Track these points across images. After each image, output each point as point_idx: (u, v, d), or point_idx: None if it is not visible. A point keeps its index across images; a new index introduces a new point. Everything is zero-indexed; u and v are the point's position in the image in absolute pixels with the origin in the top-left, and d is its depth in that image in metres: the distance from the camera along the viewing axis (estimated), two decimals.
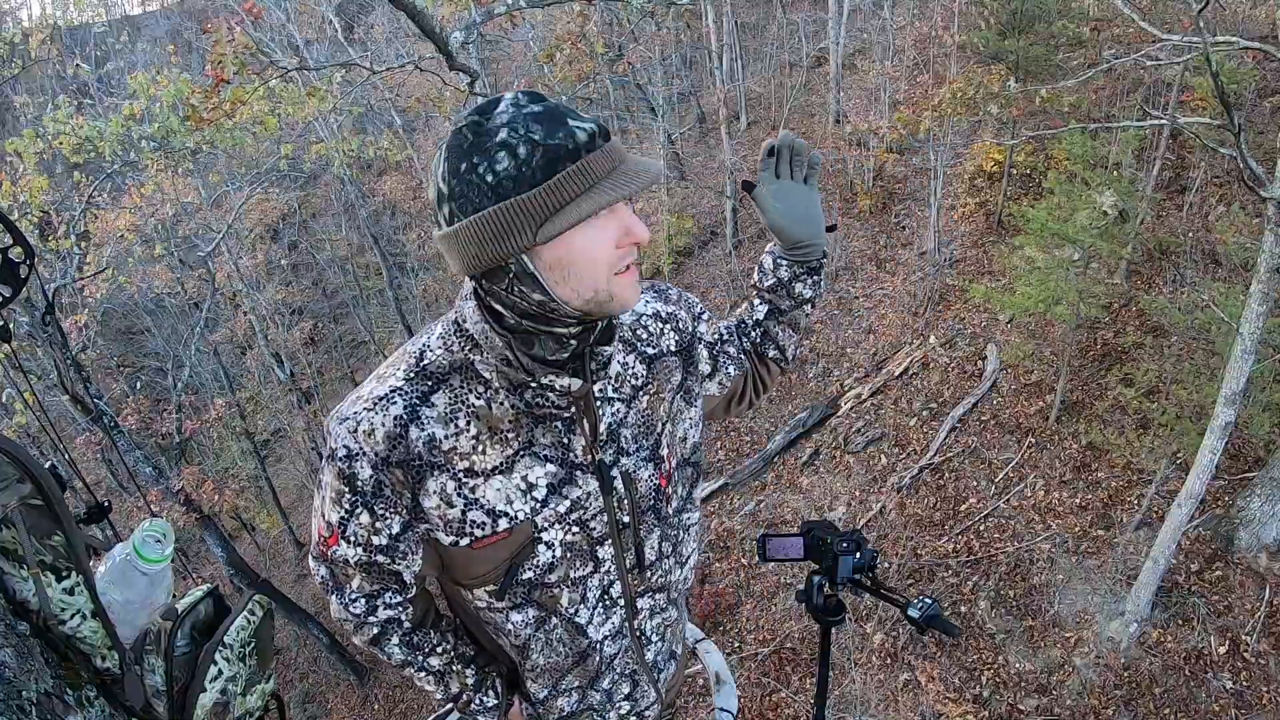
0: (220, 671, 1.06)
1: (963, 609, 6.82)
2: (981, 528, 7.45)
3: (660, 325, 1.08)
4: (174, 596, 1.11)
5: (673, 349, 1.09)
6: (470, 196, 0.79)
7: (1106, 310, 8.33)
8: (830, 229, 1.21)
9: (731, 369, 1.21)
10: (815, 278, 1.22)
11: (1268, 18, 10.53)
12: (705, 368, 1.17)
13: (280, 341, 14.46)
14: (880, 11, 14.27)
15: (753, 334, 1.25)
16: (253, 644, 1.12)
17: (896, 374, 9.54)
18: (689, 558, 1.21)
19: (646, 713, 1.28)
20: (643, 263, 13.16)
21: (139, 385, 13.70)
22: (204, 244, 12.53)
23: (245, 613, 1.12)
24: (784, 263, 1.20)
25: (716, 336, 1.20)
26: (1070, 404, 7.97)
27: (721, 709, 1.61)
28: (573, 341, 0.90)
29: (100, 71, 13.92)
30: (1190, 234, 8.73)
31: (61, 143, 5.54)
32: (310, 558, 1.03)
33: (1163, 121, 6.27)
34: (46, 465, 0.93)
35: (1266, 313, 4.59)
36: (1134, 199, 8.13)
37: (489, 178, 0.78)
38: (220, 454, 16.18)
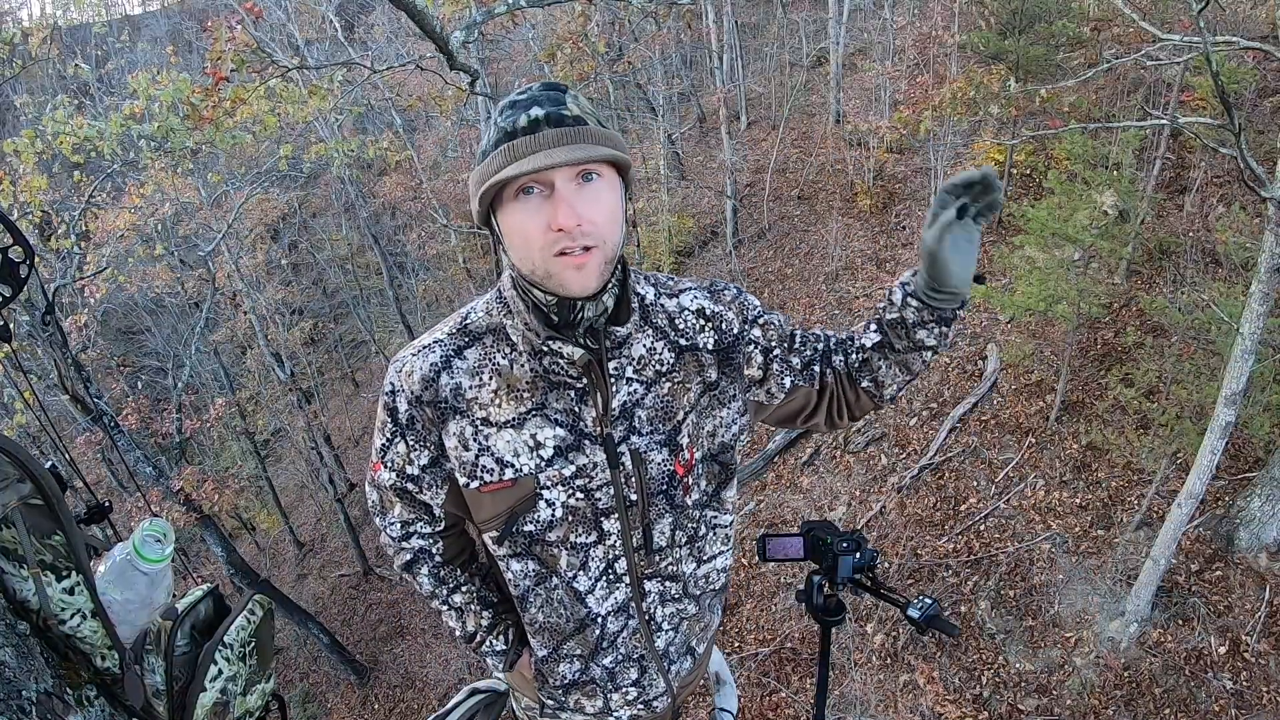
0: (220, 671, 1.06)
1: (963, 609, 6.82)
2: (981, 528, 7.45)
3: (701, 322, 1.10)
4: (174, 596, 1.11)
5: (709, 347, 1.10)
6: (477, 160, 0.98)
7: (1106, 310, 8.32)
8: (979, 280, 1.07)
9: (787, 380, 1.16)
10: (944, 328, 1.10)
11: (1268, 18, 10.53)
12: (755, 373, 1.15)
13: (280, 341, 14.46)
14: (880, 11, 14.27)
15: (853, 357, 1.16)
16: (253, 644, 1.12)
17: None
18: (714, 558, 1.22)
19: (655, 703, 1.27)
20: (643, 261, 13.18)
21: (139, 385, 13.70)
22: (204, 244, 12.53)
23: (245, 612, 1.13)
24: (914, 303, 1.08)
25: (779, 342, 1.15)
26: (1070, 404, 7.97)
27: (721, 709, 1.61)
28: (554, 315, 0.98)
29: (100, 71, 13.91)
30: (1190, 234, 8.73)
31: (61, 143, 5.52)
32: (366, 484, 1.16)
33: (1163, 121, 6.27)
34: (47, 465, 0.93)
35: (1267, 313, 4.59)
36: (1134, 199, 8.13)
37: (481, 147, 0.96)
38: (220, 454, 16.19)
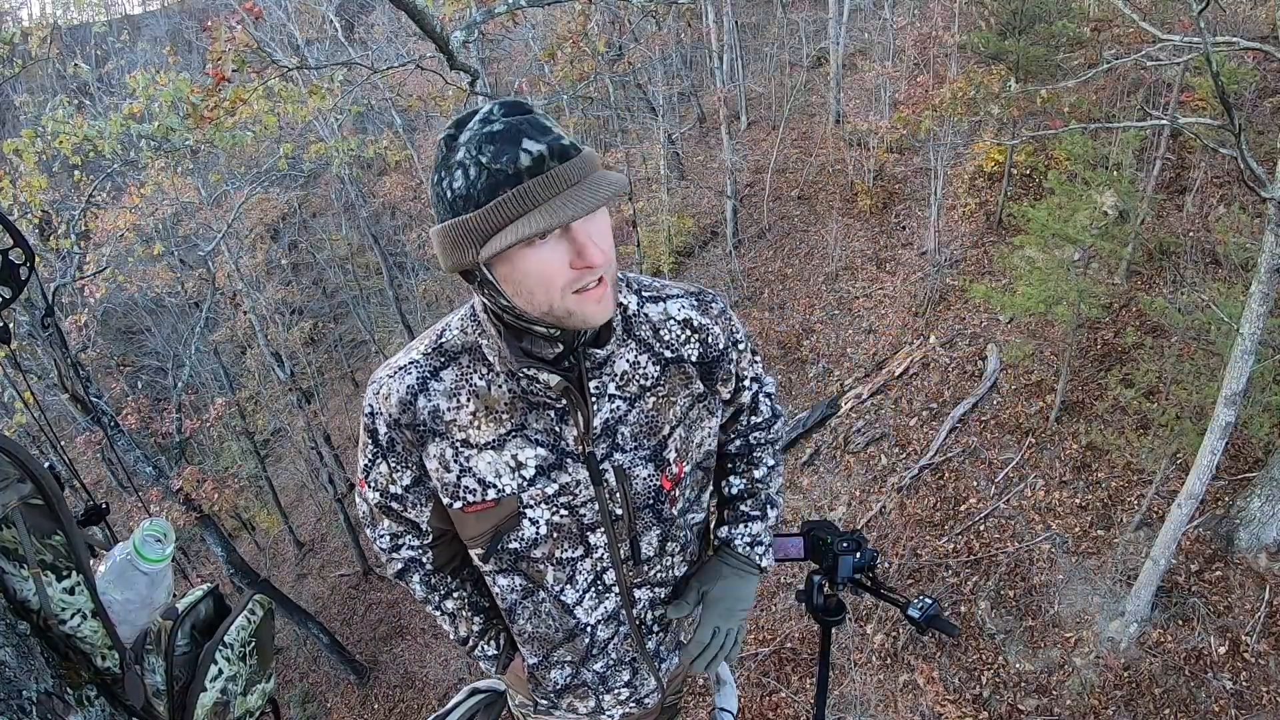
0: (221, 671, 1.06)
1: (963, 609, 6.82)
2: (981, 528, 7.45)
3: (686, 333, 1.07)
4: (174, 596, 1.11)
5: (693, 359, 1.07)
6: (440, 207, 0.87)
7: (1106, 310, 8.32)
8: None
9: (729, 411, 1.23)
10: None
11: (1268, 18, 10.52)
12: (723, 391, 1.16)
13: (280, 341, 14.45)
14: (880, 11, 14.28)
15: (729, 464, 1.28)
16: (253, 643, 1.12)
17: (897, 374, 9.54)
18: (697, 556, 1.23)
19: (646, 700, 1.29)
20: (643, 261, 13.18)
21: (139, 385, 13.69)
22: (204, 244, 12.52)
23: (245, 612, 1.13)
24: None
25: (745, 381, 1.20)
26: (1070, 404, 7.97)
27: (721, 709, 1.60)
28: (559, 343, 0.95)
29: (100, 71, 13.90)
30: (1190, 234, 8.73)
31: (61, 143, 5.52)
32: (355, 496, 1.18)
33: (1163, 122, 6.27)
34: (46, 465, 0.93)
35: (1266, 313, 4.59)
36: (1134, 199, 8.12)
37: (448, 194, 0.84)
38: (220, 454, 16.19)
